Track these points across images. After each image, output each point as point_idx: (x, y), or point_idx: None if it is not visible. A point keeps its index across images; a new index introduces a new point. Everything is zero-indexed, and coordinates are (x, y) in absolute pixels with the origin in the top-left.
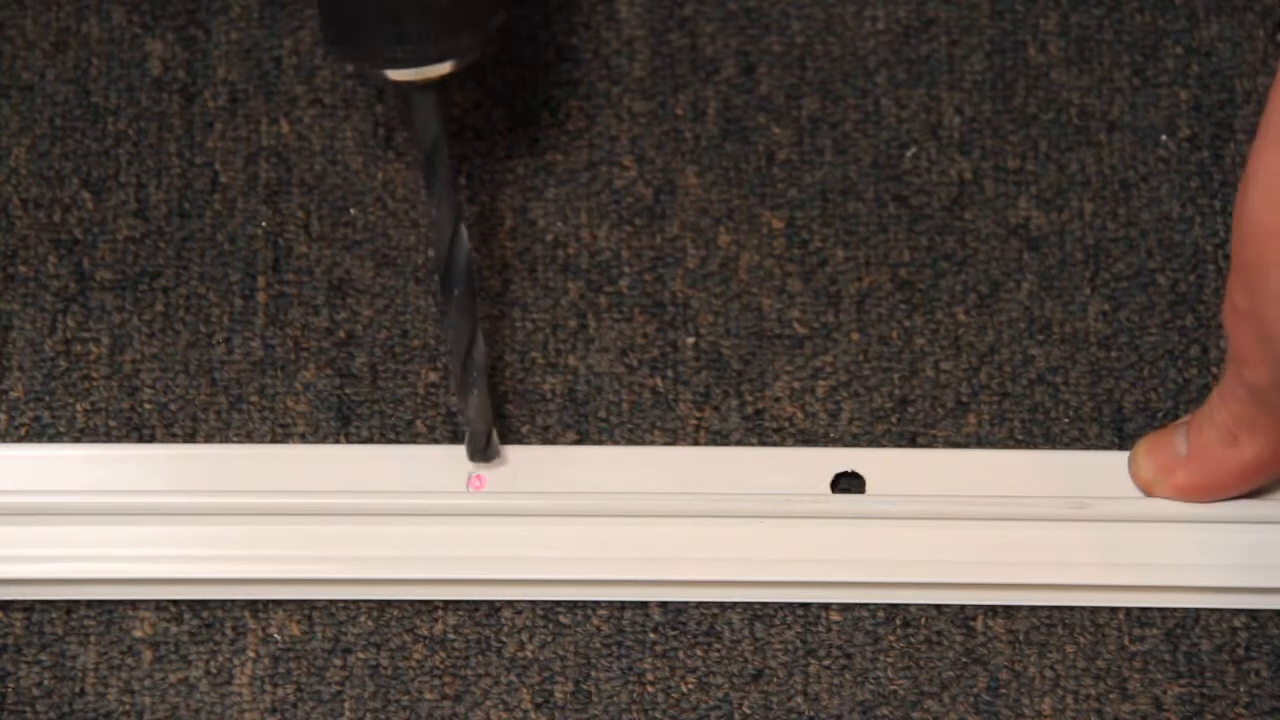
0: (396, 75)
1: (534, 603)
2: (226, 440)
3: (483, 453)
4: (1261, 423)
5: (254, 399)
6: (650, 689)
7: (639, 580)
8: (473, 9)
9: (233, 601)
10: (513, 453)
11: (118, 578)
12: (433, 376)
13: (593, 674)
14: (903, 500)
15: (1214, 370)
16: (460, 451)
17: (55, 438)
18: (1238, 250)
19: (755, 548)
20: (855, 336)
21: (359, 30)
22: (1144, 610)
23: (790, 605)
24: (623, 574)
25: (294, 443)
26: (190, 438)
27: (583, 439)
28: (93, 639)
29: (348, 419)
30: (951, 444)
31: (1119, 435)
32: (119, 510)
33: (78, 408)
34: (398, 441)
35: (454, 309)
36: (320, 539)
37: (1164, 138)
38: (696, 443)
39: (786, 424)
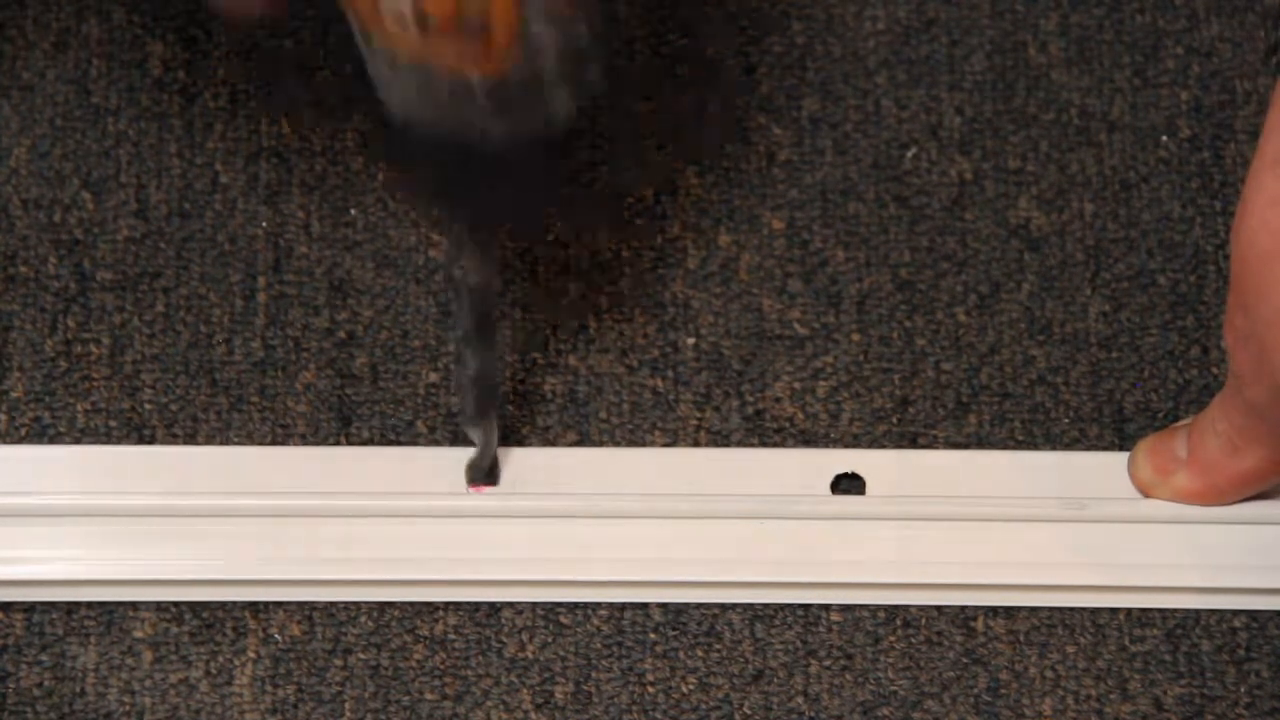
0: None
1: (534, 603)
2: (227, 441)
3: (485, 476)
4: (1262, 434)
5: (254, 399)
6: (651, 689)
7: (639, 581)
8: (536, 202)
9: (233, 602)
10: (513, 454)
11: (118, 579)
12: (433, 377)
13: (593, 674)
14: (903, 501)
15: (1214, 370)
16: (461, 452)
17: (55, 438)
18: (1234, 273)
19: (755, 549)
20: (856, 337)
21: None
22: (1144, 611)
23: (791, 606)
24: (623, 575)
25: (295, 443)
26: (191, 438)
27: (583, 439)
28: (93, 639)
29: (348, 419)
30: (952, 444)
31: (1119, 436)
32: (119, 512)
33: (78, 408)
34: (398, 442)
35: (474, 402)
36: (321, 540)
37: (1164, 138)
38: (697, 443)
39: (787, 424)
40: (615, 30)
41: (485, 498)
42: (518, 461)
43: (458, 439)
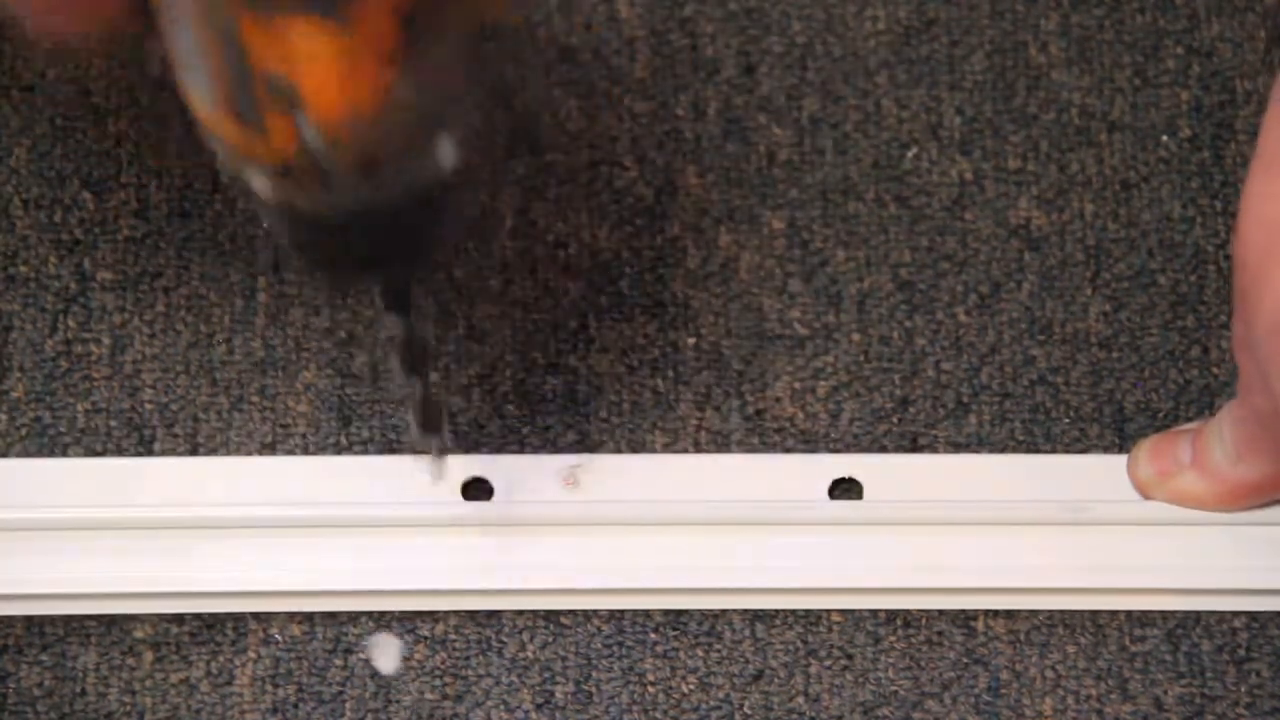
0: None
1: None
2: (227, 440)
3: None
4: (1266, 447)
5: (255, 399)
6: (651, 689)
7: (637, 588)
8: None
9: None
10: (512, 460)
11: (118, 591)
12: (433, 376)
13: (593, 674)
14: (899, 506)
15: (1214, 370)
16: (459, 458)
17: (56, 439)
18: (1235, 279)
19: (754, 555)
20: (856, 337)
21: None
22: (1145, 611)
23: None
24: (621, 583)
25: (295, 443)
26: (191, 438)
27: (582, 439)
28: (93, 640)
29: (348, 419)
30: (952, 444)
31: (1120, 436)
32: (119, 524)
33: (78, 408)
34: (398, 442)
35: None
36: (320, 550)
37: (1165, 138)
38: (697, 443)
39: (787, 425)
40: (615, 30)
41: (484, 506)
42: (516, 468)
43: (457, 439)
